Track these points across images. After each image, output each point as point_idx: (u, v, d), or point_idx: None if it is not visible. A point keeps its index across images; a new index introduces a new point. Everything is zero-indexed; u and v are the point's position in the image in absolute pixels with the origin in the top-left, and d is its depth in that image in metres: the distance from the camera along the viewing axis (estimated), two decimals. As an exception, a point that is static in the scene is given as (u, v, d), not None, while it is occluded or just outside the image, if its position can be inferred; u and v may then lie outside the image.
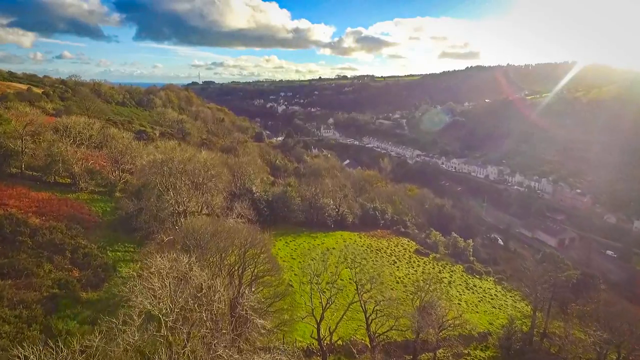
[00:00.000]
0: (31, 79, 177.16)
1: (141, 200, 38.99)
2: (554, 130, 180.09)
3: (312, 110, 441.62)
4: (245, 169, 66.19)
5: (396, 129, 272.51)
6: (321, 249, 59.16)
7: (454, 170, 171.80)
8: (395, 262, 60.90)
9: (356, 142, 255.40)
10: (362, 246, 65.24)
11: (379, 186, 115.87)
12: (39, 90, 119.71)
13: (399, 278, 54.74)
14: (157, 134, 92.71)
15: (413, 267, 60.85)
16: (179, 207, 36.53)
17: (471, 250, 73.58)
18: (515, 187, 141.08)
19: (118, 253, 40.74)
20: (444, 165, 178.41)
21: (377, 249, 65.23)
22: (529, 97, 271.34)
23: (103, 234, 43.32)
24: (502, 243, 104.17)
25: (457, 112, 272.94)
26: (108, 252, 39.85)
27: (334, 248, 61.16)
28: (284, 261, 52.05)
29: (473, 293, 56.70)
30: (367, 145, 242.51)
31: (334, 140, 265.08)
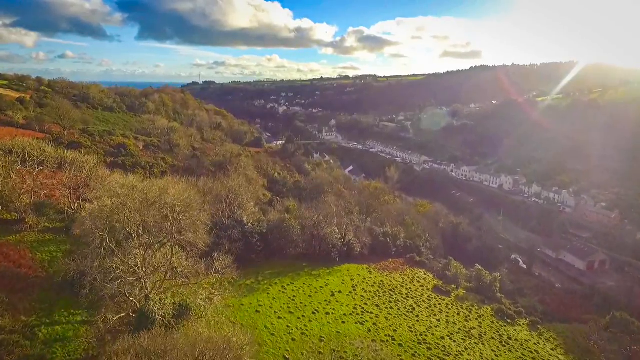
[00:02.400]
0: (21, 80, 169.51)
1: (86, 259, 28.97)
2: (570, 135, 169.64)
3: (314, 111, 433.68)
4: (237, 192, 56.18)
5: (401, 132, 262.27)
6: (325, 296, 49.22)
7: (464, 178, 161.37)
8: (414, 309, 50.74)
9: (359, 147, 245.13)
10: (373, 285, 55.30)
11: (387, 201, 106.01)
12: (15, 95, 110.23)
13: (421, 335, 44.55)
14: (141, 147, 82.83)
15: (435, 315, 50.69)
16: (132, 276, 26.54)
17: (499, 285, 63.44)
18: (533, 199, 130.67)
19: (57, 327, 30.74)
20: (453, 173, 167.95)
21: (390, 289, 55.13)
22: (539, 99, 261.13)
23: (42, 298, 33.37)
24: (524, 266, 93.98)
25: (464, 114, 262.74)
26: (41, 329, 29.83)
27: (339, 292, 51.17)
28: (279, 317, 42.00)
29: (510, 351, 46.49)
30: (371, 150, 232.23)
31: (336, 144, 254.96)
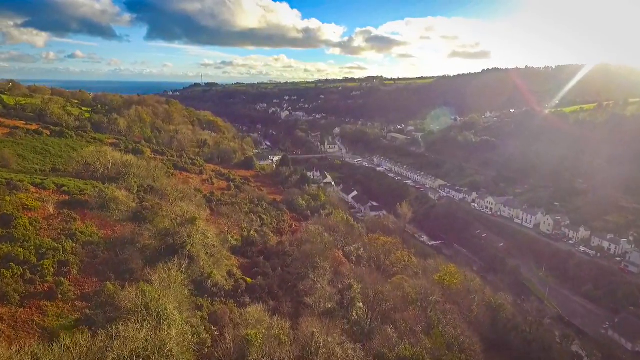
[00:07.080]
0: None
1: None
2: (614, 159, 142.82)
3: (317, 117, 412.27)
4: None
5: (411, 146, 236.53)
6: None
7: (489, 212, 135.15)
8: None
9: (365, 163, 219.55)
10: None
11: (399, 259, 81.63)
12: None
13: None
14: (52, 209, 58.25)
15: None
16: None
17: None
18: (582, 248, 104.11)
19: None
20: (475, 205, 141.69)
21: None
22: (567, 110, 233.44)
23: None
24: (590, 366, 68.32)
25: (482, 126, 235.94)
26: None
27: None
28: None
29: None
30: (378, 169, 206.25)
31: (339, 160, 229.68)
